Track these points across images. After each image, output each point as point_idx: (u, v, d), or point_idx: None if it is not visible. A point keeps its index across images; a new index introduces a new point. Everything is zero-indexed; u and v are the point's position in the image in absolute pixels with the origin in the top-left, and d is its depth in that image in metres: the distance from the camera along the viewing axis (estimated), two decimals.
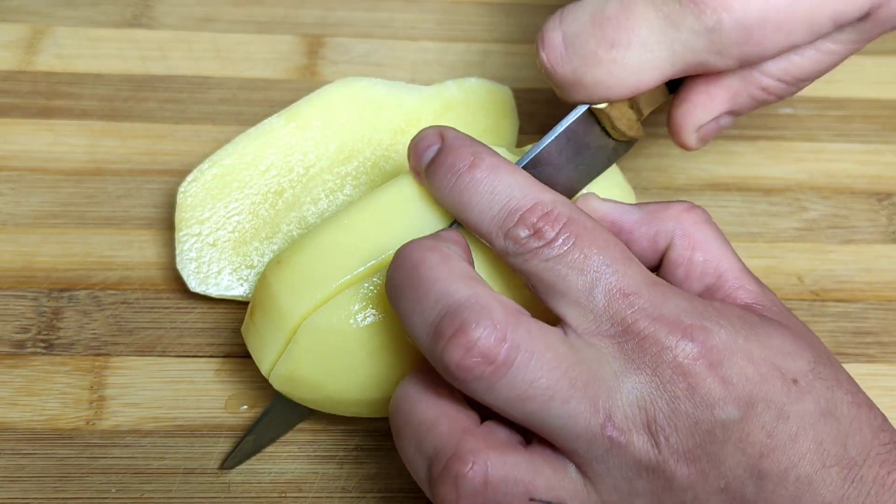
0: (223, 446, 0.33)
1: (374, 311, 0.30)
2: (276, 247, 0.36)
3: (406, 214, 0.30)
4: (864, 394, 0.28)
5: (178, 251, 0.36)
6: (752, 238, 0.40)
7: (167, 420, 0.34)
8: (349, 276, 0.30)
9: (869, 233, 0.41)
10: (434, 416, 0.26)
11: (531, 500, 0.25)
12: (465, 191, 0.28)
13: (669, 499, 0.26)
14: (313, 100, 0.38)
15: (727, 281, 0.29)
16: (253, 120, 0.39)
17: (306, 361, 0.30)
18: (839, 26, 0.30)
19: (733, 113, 0.33)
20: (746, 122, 0.45)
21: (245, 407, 0.34)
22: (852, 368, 0.36)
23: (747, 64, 0.31)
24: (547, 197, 0.27)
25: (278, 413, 0.32)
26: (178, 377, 0.35)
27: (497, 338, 0.24)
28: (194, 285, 0.35)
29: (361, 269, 0.30)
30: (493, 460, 0.25)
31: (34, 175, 0.40)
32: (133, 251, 0.38)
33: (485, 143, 0.30)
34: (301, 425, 0.34)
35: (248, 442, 0.32)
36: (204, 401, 0.34)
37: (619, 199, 0.32)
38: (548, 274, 0.27)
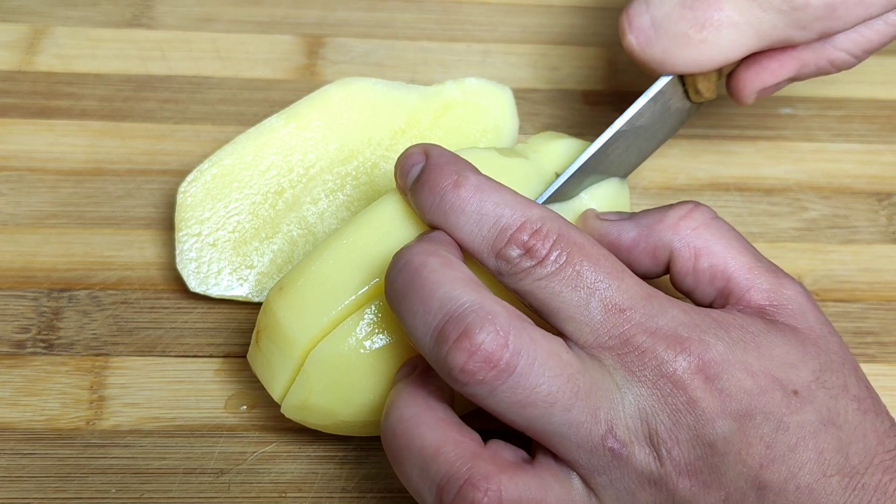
0: (223, 446, 0.33)
1: (381, 334, 0.30)
2: (276, 247, 0.36)
3: (405, 227, 0.30)
4: (873, 399, 0.28)
5: (177, 251, 0.36)
6: (752, 238, 0.40)
7: (167, 420, 0.34)
8: (353, 297, 0.30)
9: (869, 233, 0.41)
10: (437, 441, 0.26)
11: None
12: (451, 211, 0.28)
13: None
14: (313, 100, 0.38)
15: (738, 283, 0.29)
16: (253, 120, 0.39)
17: (317, 391, 0.30)
18: None
19: (795, 79, 0.35)
20: (746, 122, 0.45)
21: (244, 407, 0.34)
22: None
23: (825, 36, 0.33)
24: (535, 213, 0.27)
25: None
26: (177, 377, 0.35)
27: (500, 343, 0.25)
28: (194, 285, 0.35)
29: (365, 288, 0.30)
30: (506, 483, 0.25)
31: (34, 175, 0.40)
32: (133, 251, 0.38)
33: (486, 144, 0.30)
34: (299, 426, 0.34)
35: None
36: (204, 401, 0.34)
37: (614, 196, 0.32)
38: (542, 292, 0.27)
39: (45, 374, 0.34)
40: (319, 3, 0.48)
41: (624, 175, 0.36)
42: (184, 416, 0.34)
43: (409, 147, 0.30)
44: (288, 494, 0.32)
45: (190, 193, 0.36)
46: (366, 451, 0.33)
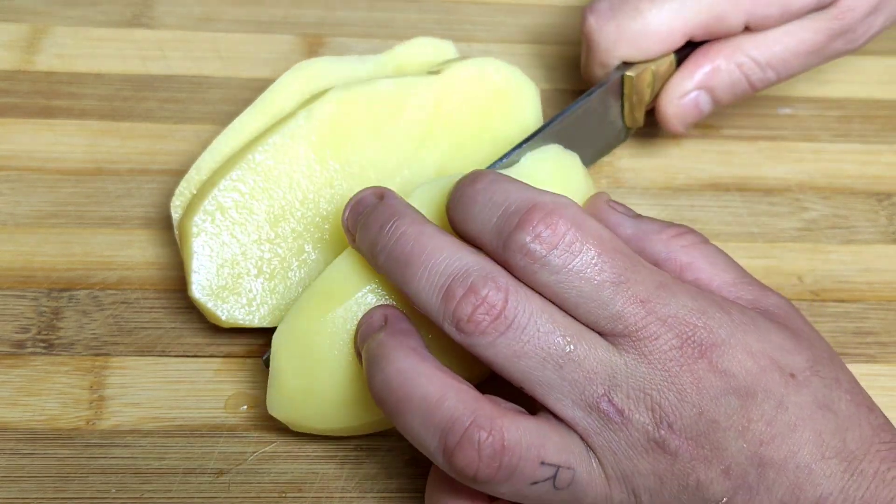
0: (223, 446, 0.33)
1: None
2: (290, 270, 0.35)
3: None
4: (865, 395, 0.29)
5: (195, 280, 0.34)
6: (752, 238, 0.40)
7: (167, 420, 0.33)
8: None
9: (869, 233, 0.41)
10: (439, 389, 0.27)
11: (542, 463, 0.26)
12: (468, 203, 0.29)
13: (672, 480, 0.26)
14: (277, 89, 0.38)
15: (722, 295, 0.29)
16: None
17: (289, 371, 0.31)
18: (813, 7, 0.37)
19: (710, 91, 0.38)
20: (746, 122, 0.45)
21: (245, 407, 0.34)
22: (852, 368, 0.36)
23: (752, 23, 0.37)
24: (547, 198, 0.28)
25: None
26: (177, 377, 0.35)
27: (501, 297, 0.27)
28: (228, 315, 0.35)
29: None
30: (507, 425, 0.26)
31: (34, 175, 0.40)
32: (133, 251, 0.38)
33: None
34: None
35: None
36: (204, 401, 0.34)
37: (557, 161, 0.34)
38: (556, 286, 0.27)
39: (44, 374, 0.34)
40: (319, 3, 0.48)
41: None
42: (184, 415, 0.34)
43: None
44: (288, 494, 0.32)
45: (181, 206, 0.36)
46: (366, 451, 0.33)
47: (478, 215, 0.28)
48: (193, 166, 0.37)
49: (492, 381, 0.30)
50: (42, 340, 0.35)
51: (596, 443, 0.27)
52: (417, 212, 0.30)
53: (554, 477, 0.26)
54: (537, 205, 0.27)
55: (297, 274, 0.35)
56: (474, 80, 0.37)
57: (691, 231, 0.31)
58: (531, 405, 0.28)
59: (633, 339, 0.27)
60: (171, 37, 0.46)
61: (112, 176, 0.40)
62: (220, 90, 0.44)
